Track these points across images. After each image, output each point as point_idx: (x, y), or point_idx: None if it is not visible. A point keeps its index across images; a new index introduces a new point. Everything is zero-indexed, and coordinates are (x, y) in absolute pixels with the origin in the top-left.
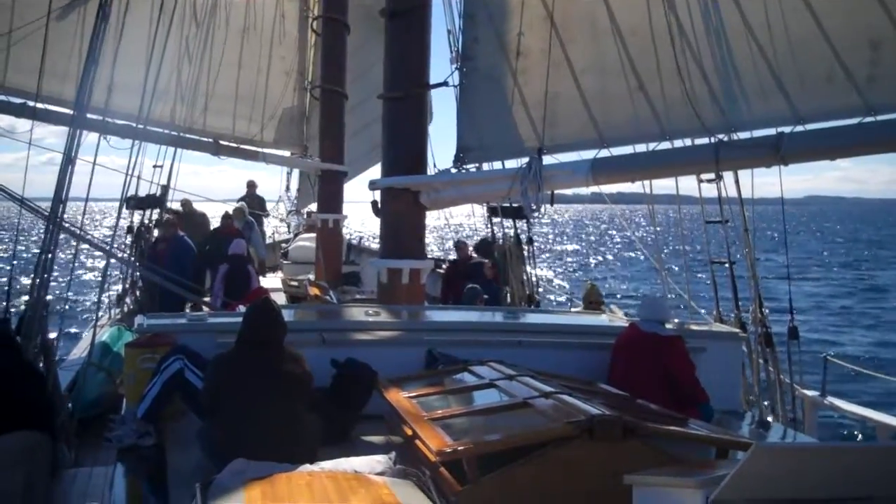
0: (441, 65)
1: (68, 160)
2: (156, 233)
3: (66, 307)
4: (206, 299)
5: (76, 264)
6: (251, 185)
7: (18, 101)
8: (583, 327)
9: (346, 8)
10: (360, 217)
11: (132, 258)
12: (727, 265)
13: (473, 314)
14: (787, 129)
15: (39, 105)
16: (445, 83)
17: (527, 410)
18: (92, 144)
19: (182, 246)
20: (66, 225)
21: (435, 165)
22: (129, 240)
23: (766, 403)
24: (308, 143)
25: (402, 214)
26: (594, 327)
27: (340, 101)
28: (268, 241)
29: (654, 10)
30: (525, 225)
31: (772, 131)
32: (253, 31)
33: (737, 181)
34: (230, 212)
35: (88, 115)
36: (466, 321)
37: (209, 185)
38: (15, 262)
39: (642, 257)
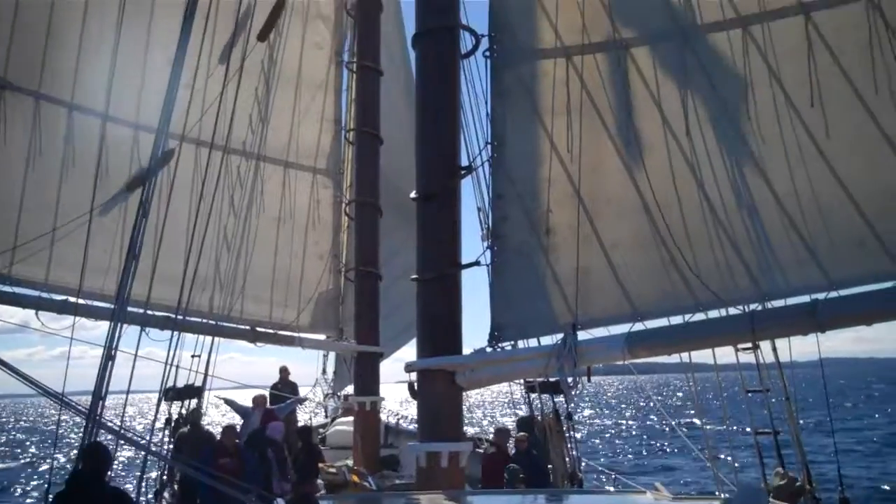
0: (473, 242)
1: (108, 356)
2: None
3: None
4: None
5: (116, 454)
6: (284, 371)
7: (60, 297)
8: None
9: (378, 192)
10: (397, 396)
11: (170, 452)
12: (772, 435)
13: (515, 499)
14: (821, 296)
15: (81, 301)
16: (478, 262)
17: None
18: (128, 335)
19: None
20: (106, 422)
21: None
22: (167, 433)
23: None
24: (343, 325)
25: (438, 396)
26: None
27: (375, 283)
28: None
29: (681, 185)
30: (564, 400)
31: (806, 298)
32: (289, 219)
33: (774, 349)
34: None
35: (129, 309)
36: None
37: (253, 374)
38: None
39: (685, 429)
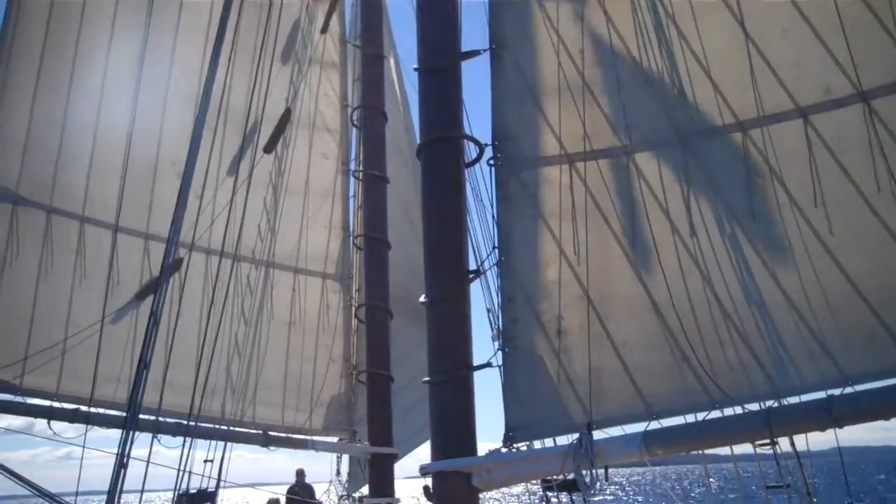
0: (484, 342)
1: (121, 464)
2: None
3: None
4: None
5: None
6: (300, 474)
7: (71, 406)
8: None
9: (387, 296)
10: (411, 492)
11: None
12: None
13: None
14: (836, 392)
15: (93, 409)
16: (489, 364)
17: None
18: (140, 439)
19: None
20: None
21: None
22: None
23: None
24: (356, 426)
25: (454, 498)
26: None
27: (387, 384)
28: None
29: (689, 283)
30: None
31: (822, 394)
32: (299, 323)
33: (792, 444)
34: None
35: (141, 416)
36: None
37: (260, 470)
38: None
39: None
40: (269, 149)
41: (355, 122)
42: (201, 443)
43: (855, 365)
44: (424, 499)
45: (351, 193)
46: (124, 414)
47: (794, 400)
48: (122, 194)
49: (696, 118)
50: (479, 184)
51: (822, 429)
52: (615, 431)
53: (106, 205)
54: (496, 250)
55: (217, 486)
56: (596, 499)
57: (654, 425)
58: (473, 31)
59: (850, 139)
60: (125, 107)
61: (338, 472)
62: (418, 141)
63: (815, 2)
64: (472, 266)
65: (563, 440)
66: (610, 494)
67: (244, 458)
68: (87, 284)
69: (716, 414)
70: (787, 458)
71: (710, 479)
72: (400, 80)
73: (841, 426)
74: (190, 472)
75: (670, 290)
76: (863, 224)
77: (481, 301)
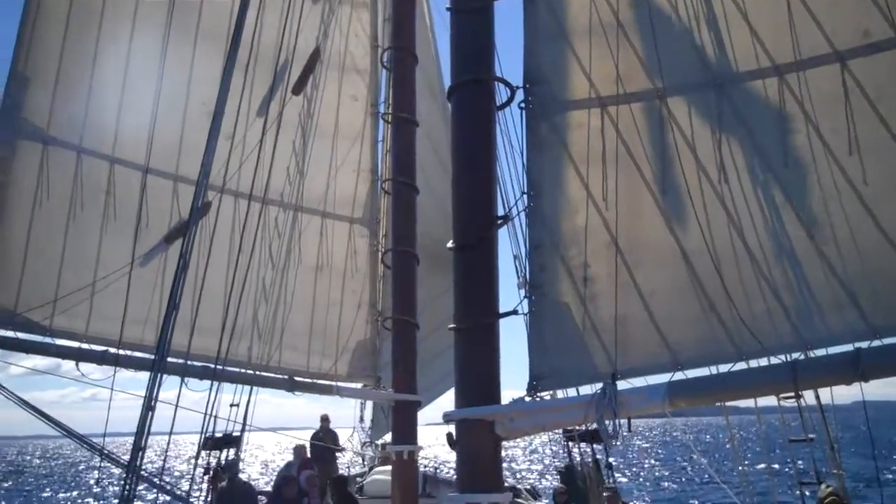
0: (509, 290)
1: (148, 406)
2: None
3: None
4: None
5: None
6: (325, 420)
7: (100, 348)
8: None
9: (415, 242)
10: (436, 439)
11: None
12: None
13: None
14: (864, 345)
15: (121, 352)
16: (515, 312)
17: None
18: (167, 382)
19: None
20: (146, 475)
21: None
22: (206, 481)
23: None
24: (380, 373)
25: (477, 446)
26: None
27: (412, 331)
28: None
29: (718, 232)
30: (604, 449)
31: (849, 346)
32: (326, 268)
33: (817, 397)
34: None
35: (169, 359)
36: None
37: (285, 413)
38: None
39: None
40: (297, 90)
41: (385, 64)
42: (227, 386)
43: (883, 316)
44: (448, 446)
45: (380, 136)
46: (152, 357)
47: (820, 352)
48: (153, 135)
49: (731, 62)
50: (510, 128)
51: (849, 382)
52: (639, 382)
53: (136, 146)
54: (525, 196)
55: (242, 431)
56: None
57: (678, 376)
58: None
59: (888, 85)
60: (155, 46)
61: (361, 419)
62: (448, 82)
63: None
64: (501, 212)
65: (586, 390)
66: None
67: (269, 403)
68: (117, 226)
69: (741, 365)
70: (811, 412)
71: (733, 430)
72: (431, 21)
73: (867, 380)
74: (216, 417)
75: (703, 238)
76: None
77: (508, 248)
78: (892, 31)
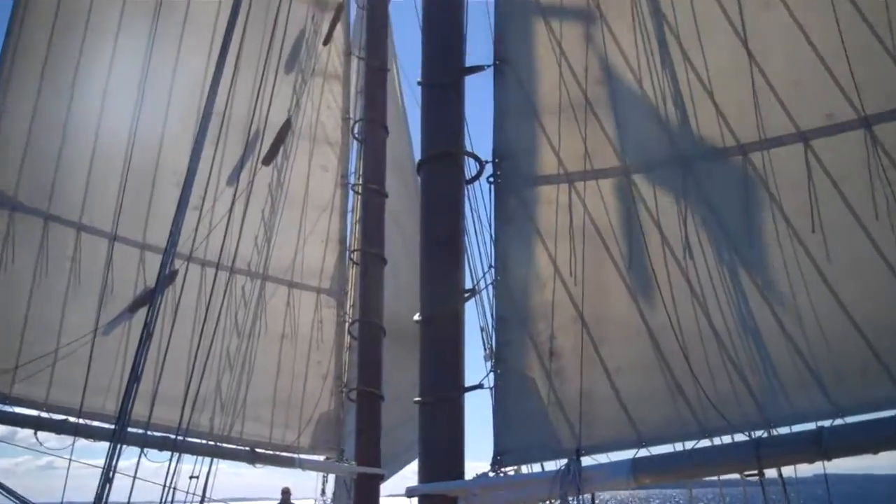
0: (475, 362)
1: (107, 478)
2: None
3: None
4: None
5: None
6: (285, 493)
7: (59, 417)
8: None
9: (381, 312)
10: None
11: None
12: None
13: None
14: (827, 423)
15: (81, 421)
16: (480, 385)
17: None
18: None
19: None
20: None
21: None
22: None
23: None
24: (344, 444)
25: None
26: None
27: (377, 403)
28: None
29: (684, 309)
30: None
31: (812, 425)
32: (292, 338)
33: (780, 474)
34: None
35: (129, 430)
36: None
37: (246, 484)
38: None
39: None
40: (267, 161)
41: (356, 135)
42: (187, 456)
43: (846, 396)
44: None
45: (349, 207)
46: (112, 426)
47: (784, 430)
48: (121, 203)
49: (697, 140)
50: (479, 201)
51: (811, 461)
52: (604, 458)
53: (104, 213)
54: (492, 269)
55: (202, 503)
56: None
57: (643, 452)
58: (478, 46)
59: (851, 165)
60: (127, 114)
61: (322, 492)
62: (418, 156)
63: (819, 25)
64: (469, 285)
65: (551, 465)
66: None
67: (228, 473)
68: (81, 293)
69: (705, 442)
70: (774, 485)
71: None
72: (401, 95)
73: (830, 458)
74: (175, 489)
75: (665, 316)
76: (860, 253)
77: (475, 320)
78: (853, 113)
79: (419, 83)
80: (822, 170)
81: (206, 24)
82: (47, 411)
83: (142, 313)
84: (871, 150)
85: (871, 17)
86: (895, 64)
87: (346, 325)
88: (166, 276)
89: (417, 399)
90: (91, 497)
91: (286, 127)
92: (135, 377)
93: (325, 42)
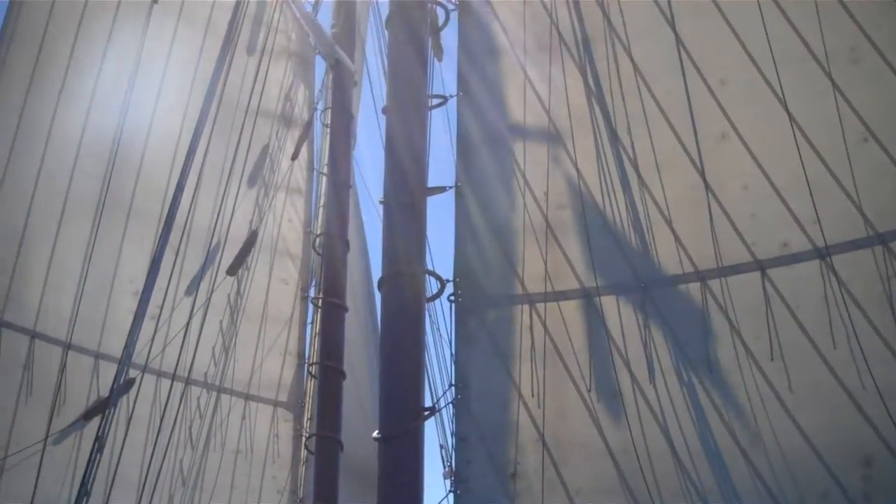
0: (435, 479)
1: None
2: None
3: None
4: None
5: None
6: None
7: None
8: None
9: (339, 428)
10: None
11: None
12: None
13: None
14: None
15: None
16: None
17: None
18: None
19: None
20: None
21: None
22: None
23: None
24: None
25: None
26: None
27: None
28: None
29: (646, 431)
30: None
31: None
32: (248, 453)
33: None
34: None
35: None
36: None
37: None
38: None
39: None
40: (232, 271)
41: (317, 249)
42: None
43: None
44: None
45: (309, 320)
46: None
47: None
48: (77, 311)
49: (655, 265)
50: (439, 320)
51: None
52: None
53: (58, 321)
54: (452, 388)
55: None
56: None
57: None
58: (440, 166)
59: (807, 294)
60: (86, 224)
61: None
62: (378, 272)
63: (776, 158)
64: (428, 403)
65: None
66: None
67: None
68: (32, 402)
69: None
70: None
71: None
72: (359, 212)
73: None
74: None
75: (627, 438)
76: (818, 380)
77: (435, 439)
78: (809, 244)
79: (381, 202)
80: (780, 298)
81: (171, 137)
82: None
83: (94, 423)
84: (826, 280)
85: (826, 156)
86: (849, 197)
87: (304, 438)
88: (121, 386)
89: None
90: None
91: (253, 237)
92: (84, 492)
93: (294, 157)
